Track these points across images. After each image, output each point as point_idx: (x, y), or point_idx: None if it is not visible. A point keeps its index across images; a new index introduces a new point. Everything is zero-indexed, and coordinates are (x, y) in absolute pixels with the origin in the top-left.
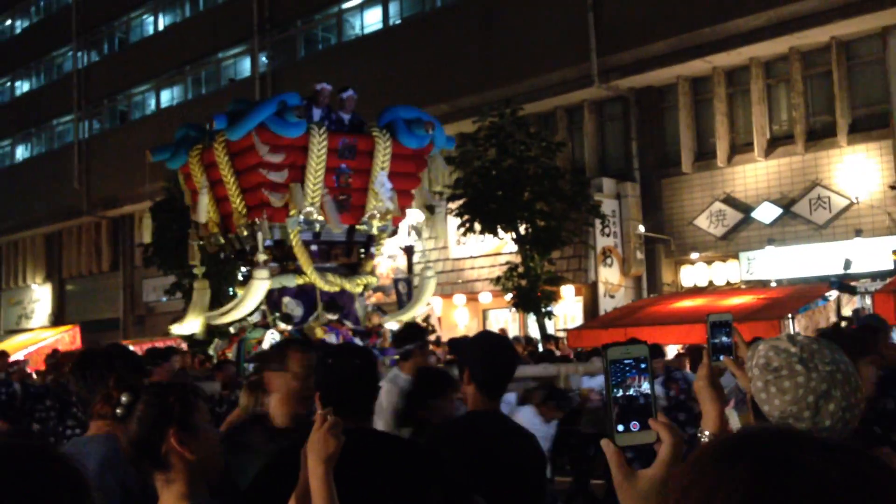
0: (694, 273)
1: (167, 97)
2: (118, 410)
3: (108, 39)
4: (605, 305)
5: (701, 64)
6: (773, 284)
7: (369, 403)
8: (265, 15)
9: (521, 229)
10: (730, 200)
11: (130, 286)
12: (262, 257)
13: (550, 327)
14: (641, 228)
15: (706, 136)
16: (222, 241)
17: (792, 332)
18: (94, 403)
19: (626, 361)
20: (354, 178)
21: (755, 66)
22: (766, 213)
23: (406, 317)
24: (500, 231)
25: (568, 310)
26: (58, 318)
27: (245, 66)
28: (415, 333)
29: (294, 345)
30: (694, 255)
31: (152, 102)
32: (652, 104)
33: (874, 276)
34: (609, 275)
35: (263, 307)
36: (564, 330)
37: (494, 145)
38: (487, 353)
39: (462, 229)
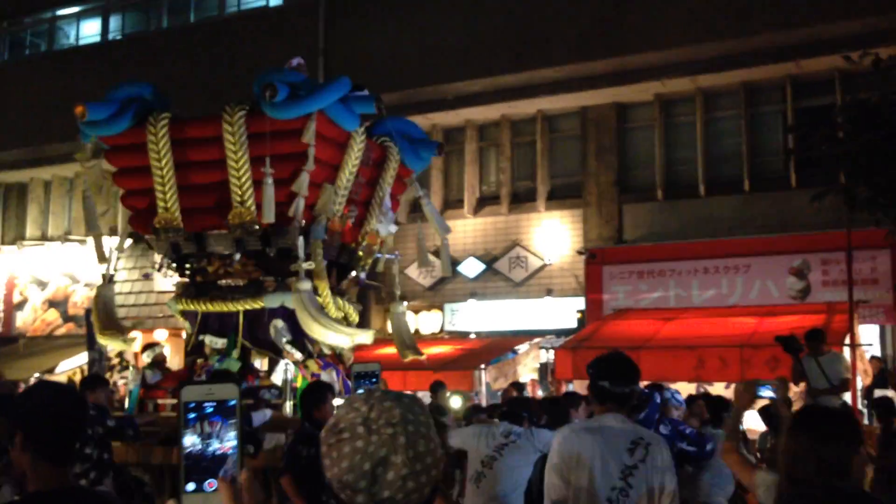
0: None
1: None
2: None
3: None
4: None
5: (422, 120)
6: (472, 336)
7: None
8: None
9: None
10: (439, 253)
11: None
12: (306, 266)
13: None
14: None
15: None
16: (177, 241)
17: (384, 389)
18: None
19: (207, 404)
20: (363, 191)
21: (470, 128)
22: (471, 267)
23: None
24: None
25: None
26: None
27: None
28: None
29: None
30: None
31: None
32: None
33: (559, 333)
34: None
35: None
36: (265, 372)
37: None
38: (49, 409)
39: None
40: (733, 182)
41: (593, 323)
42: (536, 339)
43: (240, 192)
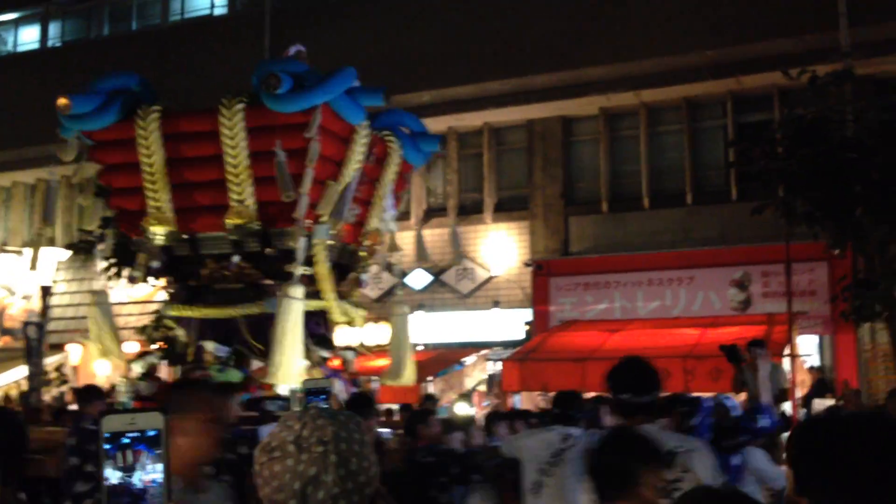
0: (346, 333)
1: None
2: None
3: None
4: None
5: None
6: (419, 348)
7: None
8: None
9: None
10: (387, 265)
11: None
12: (301, 270)
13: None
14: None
15: None
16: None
17: (320, 406)
18: None
19: (129, 435)
20: (365, 188)
21: None
22: (418, 279)
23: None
24: (150, 278)
25: None
26: None
27: None
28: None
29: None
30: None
31: None
32: None
33: (506, 344)
34: None
35: (207, 343)
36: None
37: None
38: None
39: (109, 273)
40: (676, 195)
41: (540, 334)
42: (484, 351)
43: (238, 191)
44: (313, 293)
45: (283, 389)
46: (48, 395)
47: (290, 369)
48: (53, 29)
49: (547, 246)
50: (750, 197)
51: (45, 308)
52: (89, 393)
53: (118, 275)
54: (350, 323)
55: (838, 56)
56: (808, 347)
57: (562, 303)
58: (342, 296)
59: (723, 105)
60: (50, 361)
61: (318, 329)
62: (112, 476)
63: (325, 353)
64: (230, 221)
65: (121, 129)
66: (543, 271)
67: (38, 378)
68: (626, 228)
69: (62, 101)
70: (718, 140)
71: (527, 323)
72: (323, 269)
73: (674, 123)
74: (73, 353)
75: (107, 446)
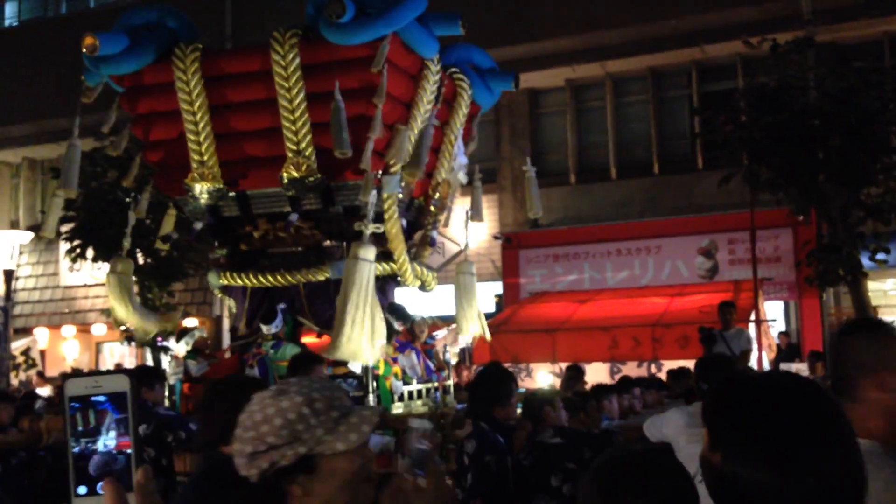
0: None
1: None
2: None
3: None
4: (229, 340)
5: None
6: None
7: None
8: None
9: (140, 258)
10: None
11: None
12: (372, 227)
13: (167, 362)
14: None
15: None
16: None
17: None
18: None
19: (95, 399)
20: (434, 134)
21: None
22: None
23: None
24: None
25: None
26: None
27: None
28: None
29: None
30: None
31: None
32: None
33: None
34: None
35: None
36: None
37: (116, 166)
38: None
39: (73, 255)
40: (643, 165)
41: (511, 307)
42: (455, 325)
43: (295, 139)
44: (382, 254)
45: (356, 367)
46: (16, 379)
47: (359, 344)
48: (10, 8)
49: (516, 218)
50: (715, 166)
51: (10, 292)
52: (150, 376)
53: (83, 255)
54: (423, 287)
55: (799, 24)
56: (775, 313)
57: (531, 275)
58: (413, 256)
59: (687, 74)
60: (16, 346)
61: (385, 297)
62: (78, 442)
63: (397, 325)
64: (286, 175)
65: (157, 72)
66: (513, 244)
67: (5, 363)
68: (593, 199)
69: (88, 40)
70: (683, 110)
71: (497, 296)
72: (395, 226)
73: (639, 94)
74: (41, 337)
75: (74, 412)
